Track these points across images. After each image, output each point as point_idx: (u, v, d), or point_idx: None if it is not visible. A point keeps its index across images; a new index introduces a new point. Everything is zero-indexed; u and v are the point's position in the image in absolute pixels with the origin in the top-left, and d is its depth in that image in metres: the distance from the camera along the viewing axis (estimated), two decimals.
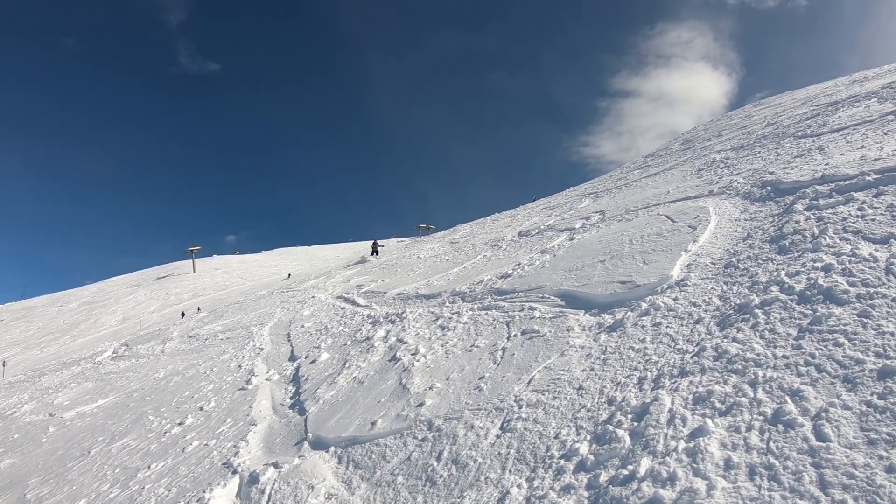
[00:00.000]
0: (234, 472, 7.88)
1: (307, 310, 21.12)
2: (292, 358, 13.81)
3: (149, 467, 9.47)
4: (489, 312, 10.51)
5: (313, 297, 24.98)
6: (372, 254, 42.50)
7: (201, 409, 11.93)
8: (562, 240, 15.80)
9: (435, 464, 5.90)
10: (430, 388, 7.87)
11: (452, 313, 11.55)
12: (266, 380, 12.40)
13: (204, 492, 7.60)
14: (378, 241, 45.79)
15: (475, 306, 11.40)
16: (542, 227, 20.41)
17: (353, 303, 18.70)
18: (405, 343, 10.56)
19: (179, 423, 11.41)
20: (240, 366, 14.89)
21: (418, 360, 9.25)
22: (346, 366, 10.87)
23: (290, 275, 61.85)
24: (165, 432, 11.21)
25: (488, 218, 38.30)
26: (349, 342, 12.84)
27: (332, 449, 7.45)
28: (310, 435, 8.22)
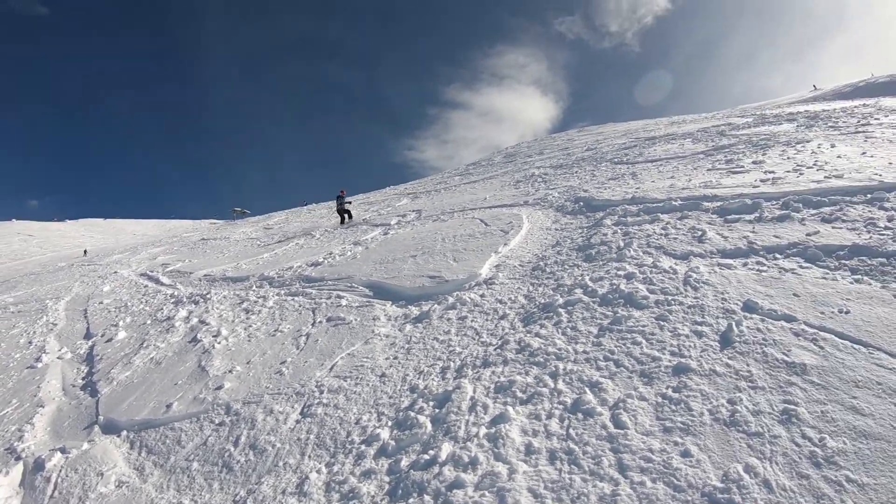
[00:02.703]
0: (18, 459, 7.22)
1: (108, 286, 20.09)
2: (88, 336, 12.99)
3: None
4: (296, 298, 10.44)
5: (115, 272, 23.88)
6: (342, 220, 24.65)
7: None
8: (376, 234, 16.03)
9: (232, 449, 5.72)
10: (229, 371, 7.64)
11: (258, 297, 11.35)
12: (58, 358, 11.56)
13: None
14: (344, 194, 25.74)
15: (282, 292, 11.28)
16: (358, 220, 20.47)
17: (157, 281, 18.03)
18: (207, 325, 10.24)
19: None
20: (30, 342, 13.81)
21: (219, 343, 8.97)
22: (144, 345, 10.39)
23: (86, 251, 55.33)
24: None
25: (304, 208, 38.02)
26: (149, 321, 12.33)
27: (125, 433, 7.04)
28: (101, 418, 7.71)
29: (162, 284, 17.23)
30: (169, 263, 21.88)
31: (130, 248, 40.72)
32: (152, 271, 20.51)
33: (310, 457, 5.05)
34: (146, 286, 17.72)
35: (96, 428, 7.47)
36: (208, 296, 12.84)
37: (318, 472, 4.75)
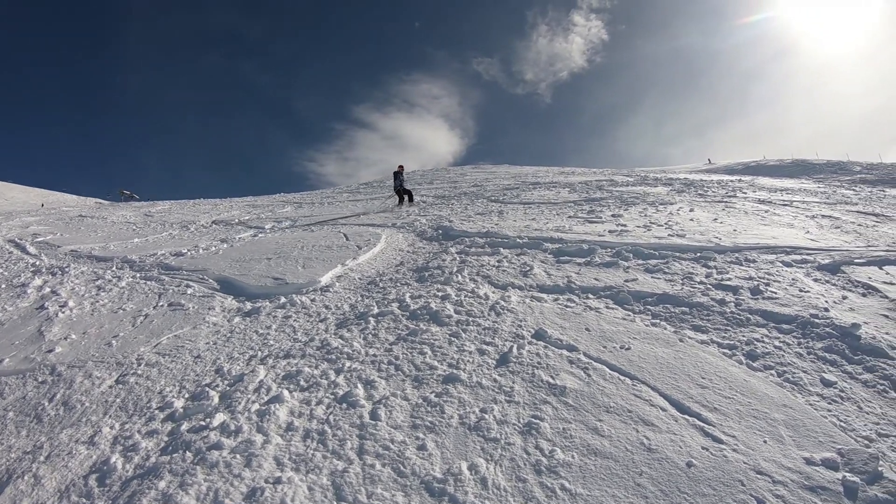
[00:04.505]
0: None
1: None
2: None
3: None
4: (148, 283, 10.74)
5: None
6: (400, 201, 22.83)
7: None
8: (247, 235, 16.38)
9: (46, 404, 6.08)
10: (64, 339, 7.96)
11: (114, 277, 11.58)
12: None
13: None
14: (402, 170, 23.51)
15: (138, 275, 11.53)
16: (236, 221, 20.73)
17: (24, 250, 17.71)
18: (58, 295, 10.44)
19: None
20: None
21: (64, 313, 9.22)
22: None
23: None
24: None
25: (191, 201, 37.67)
26: (3, 286, 12.31)
27: None
28: None
29: (27, 253, 16.97)
30: (40, 234, 21.40)
31: (4, 214, 39.23)
32: (21, 239, 20.08)
33: (110, 416, 5.49)
34: (10, 252, 17.37)
35: None
36: (67, 269, 12.90)
37: (112, 427, 5.22)
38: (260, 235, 15.91)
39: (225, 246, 14.13)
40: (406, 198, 22.64)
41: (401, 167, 23.34)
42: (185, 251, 13.74)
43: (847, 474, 3.53)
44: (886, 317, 5.89)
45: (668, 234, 9.97)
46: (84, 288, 10.91)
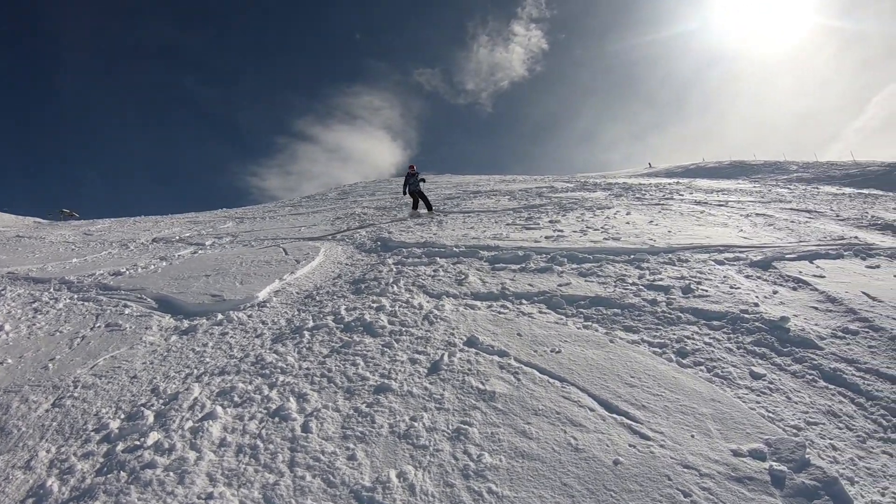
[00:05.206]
0: None
1: None
2: None
3: None
4: (86, 304, 10.60)
5: None
6: (415, 204, 21.23)
7: None
8: (187, 252, 16.19)
9: None
10: (0, 363, 7.89)
11: (51, 298, 11.40)
12: None
13: None
14: (415, 170, 21.34)
15: (76, 296, 11.37)
16: (177, 237, 20.51)
17: None
18: None
19: None
20: None
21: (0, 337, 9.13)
22: None
23: None
24: None
25: (132, 219, 37.07)
26: None
27: None
28: None
29: None
30: None
31: None
32: None
33: (47, 440, 5.49)
34: None
35: None
36: (3, 292, 12.68)
37: (48, 451, 5.24)
38: (200, 252, 15.79)
39: (164, 264, 13.98)
40: (423, 203, 20.50)
41: (412, 167, 21.37)
42: (124, 270, 13.57)
43: (774, 463, 3.71)
44: (816, 308, 6.19)
45: (604, 238, 10.23)
46: (21, 311, 10.76)
